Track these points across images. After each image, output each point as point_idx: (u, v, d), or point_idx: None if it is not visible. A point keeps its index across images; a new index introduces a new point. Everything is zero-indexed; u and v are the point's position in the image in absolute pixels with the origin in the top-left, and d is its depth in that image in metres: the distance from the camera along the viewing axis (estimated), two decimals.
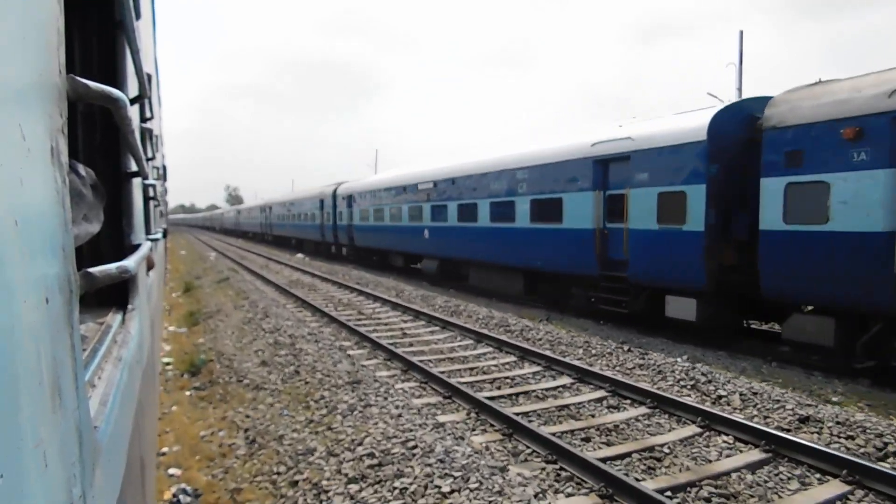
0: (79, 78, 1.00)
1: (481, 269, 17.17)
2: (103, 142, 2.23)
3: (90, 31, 2.15)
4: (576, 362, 8.71)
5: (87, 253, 2.16)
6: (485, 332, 11.07)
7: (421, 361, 8.95)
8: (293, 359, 9.32)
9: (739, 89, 19.17)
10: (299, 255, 35.15)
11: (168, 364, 9.91)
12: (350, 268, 25.79)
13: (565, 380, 8.17)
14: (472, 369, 8.91)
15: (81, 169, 1.56)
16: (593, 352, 9.67)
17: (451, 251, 18.37)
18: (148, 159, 3.42)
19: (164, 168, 11.61)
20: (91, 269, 1.13)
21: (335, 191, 30.50)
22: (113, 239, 2.22)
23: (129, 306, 2.14)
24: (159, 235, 5.43)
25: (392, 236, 23.00)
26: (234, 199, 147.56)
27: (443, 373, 8.43)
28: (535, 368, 8.83)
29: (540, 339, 10.58)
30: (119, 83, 2.12)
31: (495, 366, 9.05)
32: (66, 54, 0.91)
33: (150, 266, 3.28)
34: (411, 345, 10.49)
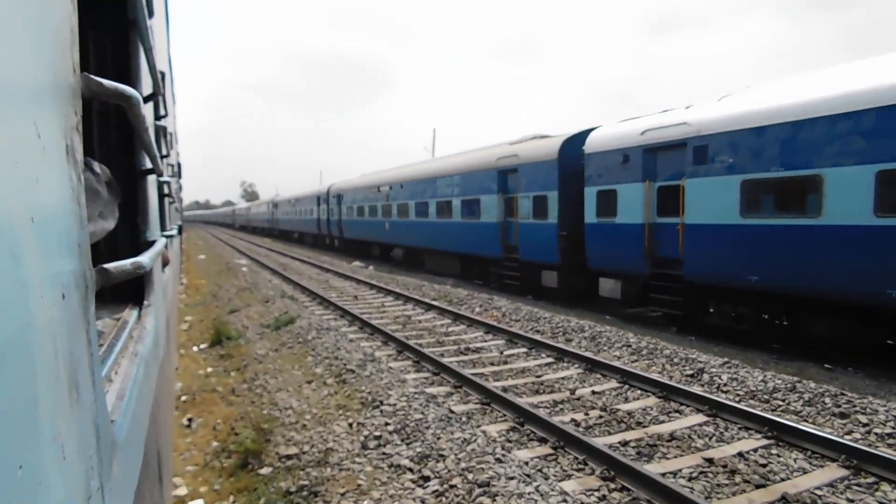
0: (93, 76, 1.01)
1: None
2: (118, 140, 2.25)
3: (104, 30, 2.17)
4: None
5: (104, 250, 2.18)
6: None
7: None
8: None
9: None
10: (356, 263, 24.62)
11: None
12: (451, 286, 16.64)
13: None
14: None
15: (97, 166, 1.58)
16: None
17: None
18: (162, 156, 3.45)
19: (179, 165, 11.72)
20: (106, 266, 1.14)
21: (584, 139, 12.90)
22: (129, 236, 2.25)
23: (145, 302, 2.16)
24: (174, 232, 5.50)
25: None
26: (250, 194, 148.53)
27: None
28: None
29: None
30: (133, 81, 2.14)
31: None
32: (81, 53, 0.91)
33: (165, 262, 3.32)
34: None
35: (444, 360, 8.36)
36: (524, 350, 9.37)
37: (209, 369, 9.36)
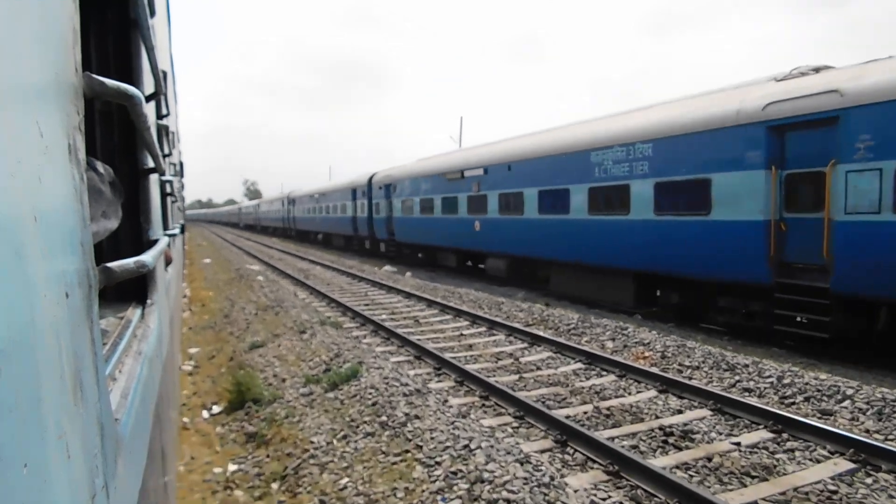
0: (95, 76, 1.01)
1: None
2: (121, 139, 2.26)
3: (106, 30, 2.17)
4: None
5: (107, 249, 2.19)
6: None
7: None
8: None
9: None
10: (388, 268, 21.10)
11: None
12: (543, 303, 12.96)
13: None
14: None
15: (99, 166, 1.58)
16: None
17: None
18: (164, 156, 3.46)
19: (181, 164, 11.73)
20: (109, 264, 1.15)
21: None
22: (131, 235, 2.25)
23: (149, 301, 2.17)
24: (177, 231, 5.50)
25: None
26: (253, 193, 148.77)
27: None
28: None
29: None
30: (135, 80, 2.14)
31: None
32: (83, 53, 0.92)
33: (167, 261, 3.33)
34: None
35: (657, 466, 4.58)
36: (769, 437, 5.29)
37: (231, 467, 5.41)
